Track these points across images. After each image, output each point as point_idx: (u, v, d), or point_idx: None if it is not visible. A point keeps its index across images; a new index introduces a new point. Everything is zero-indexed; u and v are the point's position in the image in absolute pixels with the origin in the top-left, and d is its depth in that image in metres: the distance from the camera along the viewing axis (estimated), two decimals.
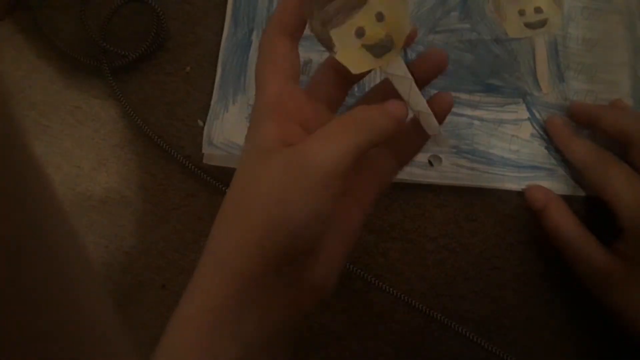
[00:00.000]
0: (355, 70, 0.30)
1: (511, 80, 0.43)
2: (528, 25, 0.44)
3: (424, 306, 0.39)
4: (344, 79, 0.32)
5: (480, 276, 0.40)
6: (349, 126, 0.27)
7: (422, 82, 0.31)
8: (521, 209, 0.41)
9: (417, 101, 0.30)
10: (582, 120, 0.41)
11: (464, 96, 0.42)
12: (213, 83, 0.43)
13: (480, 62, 0.43)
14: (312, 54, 0.43)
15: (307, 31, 0.44)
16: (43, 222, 0.19)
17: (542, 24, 0.44)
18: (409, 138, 0.32)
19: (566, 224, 0.37)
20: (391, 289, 0.40)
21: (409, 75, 0.30)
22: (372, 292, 0.40)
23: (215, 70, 0.43)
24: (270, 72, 0.29)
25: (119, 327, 0.24)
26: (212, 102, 0.42)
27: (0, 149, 0.17)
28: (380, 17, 0.30)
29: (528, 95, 0.42)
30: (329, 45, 0.30)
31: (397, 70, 0.30)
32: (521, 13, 0.44)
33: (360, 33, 0.30)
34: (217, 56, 0.43)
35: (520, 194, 0.40)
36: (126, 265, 0.40)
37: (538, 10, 0.44)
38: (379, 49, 0.30)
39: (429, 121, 0.30)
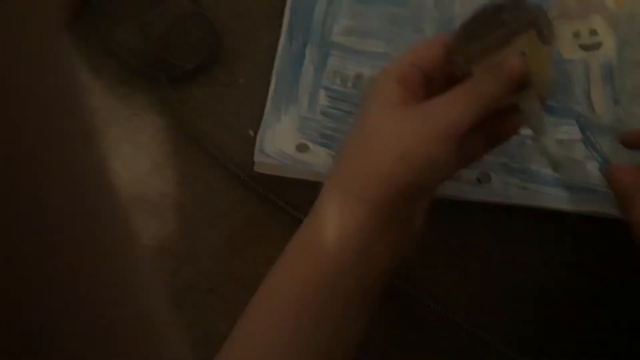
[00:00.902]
0: None
1: (565, 100, 0.42)
2: (583, 47, 0.44)
3: (467, 324, 0.39)
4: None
5: (528, 296, 0.39)
6: (471, 94, 0.32)
7: None
8: (571, 231, 0.40)
9: (541, 128, 0.34)
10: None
11: None
12: (265, 95, 0.44)
13: None
14: (364, 68, 0.44)
15: (360, 46, 0.45)
16: (105, 221, 0.20)
17: (597, 46, 0.44)
18: (503, 121, 0.34)
19: None
20: (435, 305, 0.39)
21: (541, 113, 0.33)
22: (416, 307, 0.40)
23: (267, 83, 0.44)
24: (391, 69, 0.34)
25: (174, 327, 0.25)
26: (265, 112, 0.43)
27: (77, 143, 0.17)
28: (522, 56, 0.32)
29: (581, 117, 0.42)
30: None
31: (529, 107, 0.33)
32: (576, 35, 0.44)
33: None
34: (269, 69, 0.45)
35: (572, 214, 0.40)
36: (175, 269, 0.41)
37: (593, 32, 0.44)
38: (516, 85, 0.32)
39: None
